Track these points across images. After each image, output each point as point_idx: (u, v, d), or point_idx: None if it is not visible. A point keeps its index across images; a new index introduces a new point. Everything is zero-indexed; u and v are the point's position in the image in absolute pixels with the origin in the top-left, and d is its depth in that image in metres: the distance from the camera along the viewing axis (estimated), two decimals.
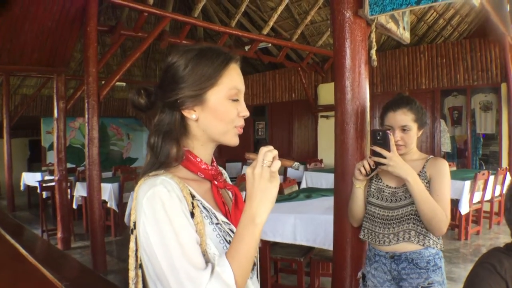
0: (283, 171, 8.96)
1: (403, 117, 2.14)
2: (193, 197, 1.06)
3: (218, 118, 1.11)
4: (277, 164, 1.00)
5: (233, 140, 1.15)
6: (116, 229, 7.07)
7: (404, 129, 2.15)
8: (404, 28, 3.05)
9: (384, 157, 2.02)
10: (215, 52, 1.13)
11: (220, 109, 1.10)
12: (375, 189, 2.25)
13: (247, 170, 1.01)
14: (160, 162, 1.11)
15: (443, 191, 2.06)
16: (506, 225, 1.44)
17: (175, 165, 1.11)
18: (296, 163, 1.06)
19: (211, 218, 1.08)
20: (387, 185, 2.22)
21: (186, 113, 1.11)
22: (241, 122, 1.14)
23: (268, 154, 1.00)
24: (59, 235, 6.44)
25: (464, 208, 6.00)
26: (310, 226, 3.49)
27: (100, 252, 5.32)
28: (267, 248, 3.71)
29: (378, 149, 2.04)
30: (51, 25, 5.47)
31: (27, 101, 11.39)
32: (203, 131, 1.13)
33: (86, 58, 5.18)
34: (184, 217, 0.99)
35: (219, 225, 1.09)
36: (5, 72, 8.70)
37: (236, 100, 1.13)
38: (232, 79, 1.12)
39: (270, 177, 0.99)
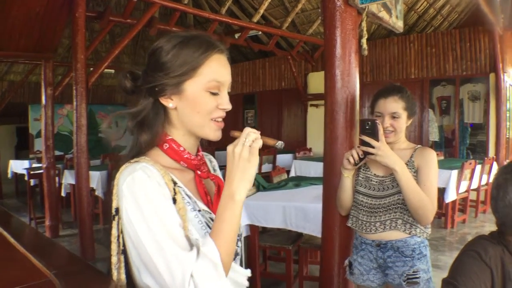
0: (272, 160, 8.99)
1: (394, 104, 2.16)
2: (174, 183, 1.07)
3: (195, 110, 1.09)
4: (258, 143, 1.01)
5: (212, 135, 1.12)
6: (104, 217, 7.00)
7: (394, 116, 2.16)
8: (397, 17, 3.04)
9: (373, 147, 2.03)
10: (198, 40, 1.10)
11: (197, 101, 1.09)
12: (362, 178, 2.27)
13: (228, 148, 1.02)
14: (138, 148, 1.12)
15: (431, 181, 2.09)
16: (492, 213, 1.46)
17: (151, 148, 1.13)
18: (279, 142, 1.06)
19: (193, 205, 1.09)
20: (374, 174, 2.24)
21: (163, 101, 1.10)
22: (219, 114, 1.11)
23: (250, 134, 1.00)
24: (47, 223, 6.41)
25: (450, 196, 6.06)
26: (299, 215, 3.50)
27: (89, 240, 5.30)
28: (256, 236, 3.72)
29: (366, 138, 2.05)
30: (39, 10, 5.39)
31: (15, 88, 11.24)
32: (182, 122, 1.12)
33: (74, 45, 5.12)
34: (165, 200, 1.00)
35: (200, 212, 1.10)
36: None
37: (216, 94, 1.10)
38: (213, 71, 1.09)
39: (249, 156, 0.99)
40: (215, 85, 1.09)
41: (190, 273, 0.92)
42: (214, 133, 1.12)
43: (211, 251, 0.95)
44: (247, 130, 1.01)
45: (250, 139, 1.00)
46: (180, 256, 0.94)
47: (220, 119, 1.13)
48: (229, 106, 1.12)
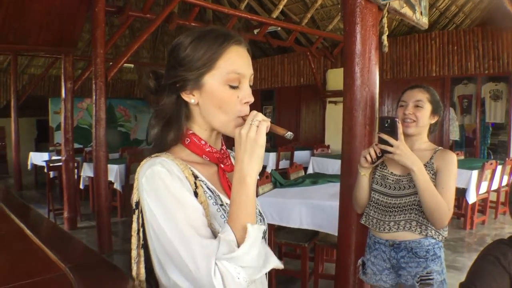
0: (289, 156, 8.97)
1: (419, 94, 2.18)
2: (196, 177, 1.06)
3: (216, 105, 1.07)
4: (264, 124, 1.00)
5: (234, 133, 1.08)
6: (122, 210, 7.12)
7: (417, 105, 2.16)
8: (421, 13, 2.98)
9: (391, 145, 2.00)
10: (215, 33, 1.09)
11: (217, 95, 1.06)
12: (379, 176, 2.25)
13: (235, 131, 1.02)
14: (161, 145, 1.12)
15: (449, 184, 2.05)
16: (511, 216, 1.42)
17: (175, 145, 1.12)
18: (289, 133, 1.06)
19: (215, 199, 1.08)
20: (391, 173, 2.21)
21: (185, 96, 1.09)
22: (245, 111, 1.08)
23: (258, 115, 1.01)
24: (65, 214, 6.49)
25: (471, 198, 5.98)
26: (316, 212, 3.49)
27: (106, 233, 5.36)
28: (272, 233, 3.72)
29: (385, 136, 2.03)
30: (59, 4, 5.44)
31: (35, 81, 11.39)
32: (204, 118, 1.11)
33: (94, 39, 5.16)
34: (186, 191, 1.00)
35: (223, 206, 1.09)
36: (13, 51, 8.71)
37: (236, 87, 1.07)
38: (232, 63, 1.06)
39: (256, 135, 0.98)
40: (235, 77, 1.06)
41: (214, 261, 0.90)
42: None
43: (228, 236, 0.94)
44: (254, 112, 1.02)
45: (257, 119, 1.00)
46: (203, 244, 0.93)
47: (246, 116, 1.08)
48: (251, 99, 1.09)
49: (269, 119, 1.02)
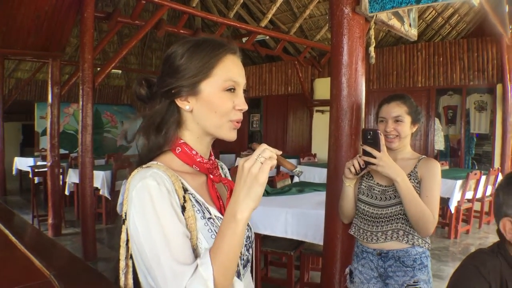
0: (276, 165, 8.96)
1: (397, 108, 2.18)
2: (185, 190, 1.06)
3: (212, 110, 1.08)
4: (269, 163, 0.95)
5: (228, 135, 1.11)
6: (107, 216, 7.05)
7: (397, 120, 2.17)
8: (410, 25, 3.02)
9: (374, 157, 2.02)
10: (211, 43, 1.11)
11: (214, 101, 1.08)
12: (365, 187, 2.26)
13: (239, 162, 0.99)
14: (150, 151, 1.12)
15: (433, 193, 2.07)
16: (495, 224, 1.44)
17: (165, 153, 1.12)
18: (297, 169, 1.03)
19: (203, 213, 1.07)
20: (377, 183, 2.23)
21: (179, 103, 1.10)
22: (238, 116, 1.10)
23: (265, 151, 0.95)
24: (50, 221, 6.41)
25: (453, 204, 6.09)
26: (301, 221, 3.50)
27: (91, 239, 5.31)
28: (258, 241, 3.71)
29: (368, 148, 2.05)
30: (48, 9, 5.42)
31: (22, 85, 11.30)
32: (197, 124, 1.11)
33: (82, 45, 5.14)
34: (172, 210, 0.99)
35: (211, 220, 1.08)
36: (0, 55, 8.62)
37: (233, 92, 1.09)
38: (228, 71, 1.09)
39: (258, 172, 0.93)
40: (231, 84, 1.09)
41: (184, 287, 0.91)
42: (231, 134, 1.11)
43: (206, 270, 0.93)
44: (263, 146, 0.96)
45: (263, 156, 0.95)
46: (175, 269, 0.92)
47: (239, 121, 1.11)
48: (245, 107, 1.11)
49: (280, 152, 0.99)
